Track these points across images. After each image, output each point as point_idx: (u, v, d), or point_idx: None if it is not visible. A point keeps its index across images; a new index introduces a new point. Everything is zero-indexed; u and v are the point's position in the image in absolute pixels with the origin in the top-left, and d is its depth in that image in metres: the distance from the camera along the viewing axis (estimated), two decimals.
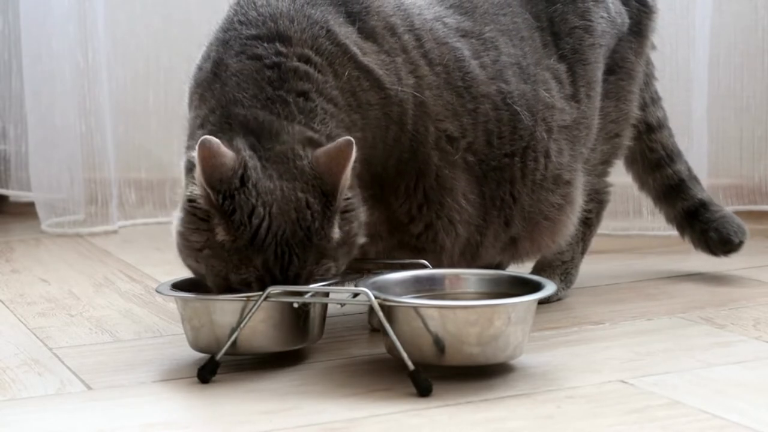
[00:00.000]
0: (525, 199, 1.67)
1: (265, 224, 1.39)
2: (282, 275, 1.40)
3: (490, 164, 1.64)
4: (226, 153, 1.40)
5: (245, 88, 1.46)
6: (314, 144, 1.43)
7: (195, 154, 1.38)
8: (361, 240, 1.47)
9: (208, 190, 1.39)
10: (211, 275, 1.43)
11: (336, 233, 1.42)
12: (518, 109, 1.64)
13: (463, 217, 1.62)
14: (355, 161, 1.43)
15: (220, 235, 1.40)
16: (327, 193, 1.41)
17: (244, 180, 1.39)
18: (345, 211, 1.43)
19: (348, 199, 1.44)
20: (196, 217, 1.42)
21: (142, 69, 2.65)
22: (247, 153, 1.41)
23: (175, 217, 1.45)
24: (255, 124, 1.44)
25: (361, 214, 1.46)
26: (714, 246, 1.94)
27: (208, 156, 1.38)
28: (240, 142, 1.42)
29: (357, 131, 1.50)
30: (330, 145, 1.42)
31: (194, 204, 1.42)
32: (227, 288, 1.43)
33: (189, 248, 1.43)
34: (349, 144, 1.40)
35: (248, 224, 1.39)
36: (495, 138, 1.63)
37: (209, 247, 1.41)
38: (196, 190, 1.41)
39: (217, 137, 1.42)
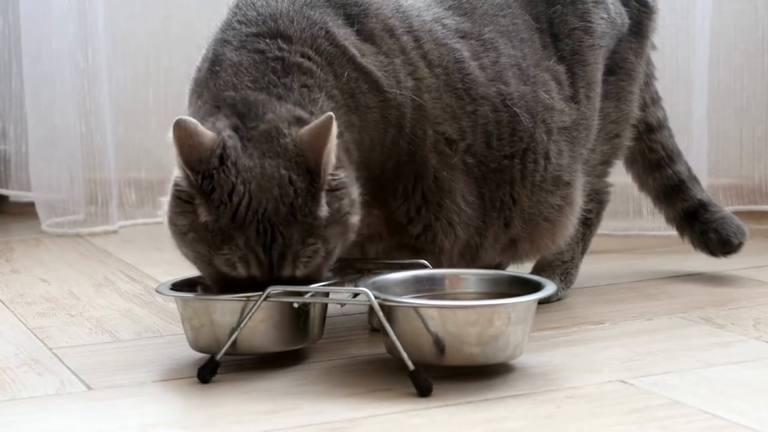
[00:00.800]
0: (524, 201, 1.67)
1: (245, 202, 1.38)
2: (266, 254, 1.39)
3: (490, 166, 1.64)
4: (204, 132, 1.40)
5: (244, 73, 1.46)
6: (302, 123, 1.42)
7: (170, 135, 1.38)
8: (354, 219, 1.45)
9: (187, 171, 1.39)
10: (199, 260, 1.43)
11: (323, 211, 1.40)
12: (518, 111, 1.64)
13: (462, 219, 1.62)
14: (339, 136, 1.42)
15: (203, 215, 1.40)
16: (311, 170, 1.39)
17: (222, 159, 1.39)
18: (334, 189, 1.42)
19: (337, 176, 1.42)
20: (180, 200, 1.42)
21: (142, 69, 2.65)
22: (227, 132, 1.41)
23: (163, 203, 1.45)
24: (242, 105, 1.43)
25: (353, 191, 1.45)
26: (713, 247, 1.94)
27: (185, 136, 1.38)
28: (221, 123, 1.42)
29: (354, 132, 1.50)
30: (313, 123, 1.41)
31: (178, 187, 1.42)
32: (215, 274, 1.43)
33: (177, 233, 1.43)
34: (329, 119, 1.38)
35: (228, 202, 1.38)
36: (494, 140, 1.63)
37: (194, 230, 1.41)
38: (179, 173, 1.41)
39: (203, 121, 1.42)
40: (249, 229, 1.39)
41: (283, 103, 1.44)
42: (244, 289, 1.41)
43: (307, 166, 1.39)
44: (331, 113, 1.39)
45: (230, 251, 1.40)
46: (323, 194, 1.40)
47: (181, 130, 1.38)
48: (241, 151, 1.40)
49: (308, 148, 1.39)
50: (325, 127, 1.38)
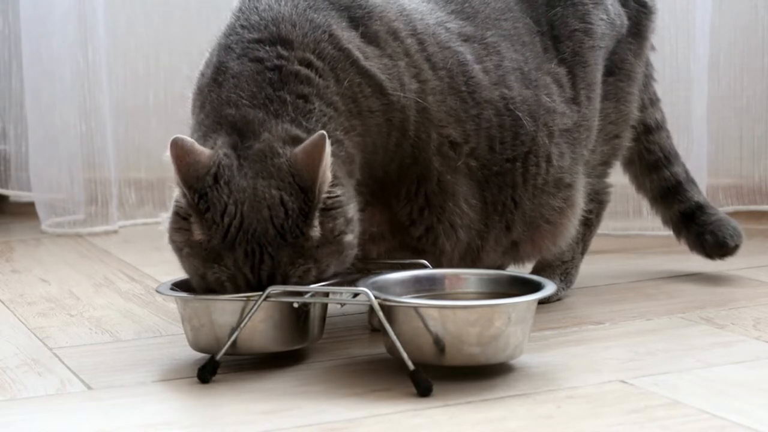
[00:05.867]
0: (526, 204, 1.67)
1: (236, 223, 1.39)
2: (254, 275, 1.40)
3: (492, 169, 1.64)
4: (201, 151, 1.40)
5: (243, 88, 1.46)
6: (297, 142, 1.42)
7: (168, 153, 1.38)
8: (349, 237, 1.44)
9: (184, 189, 1.39)
10: (192, 274, 1.44)
11: (315, 231, 1.40)
12: (520, 114, 1.64)
13: (464, 222, 1.62)
14: (339, 143, 1.43)
15: (197, 234, 1.40)
16: (306, 190, 1.39)
17: (217, 178, 1.39)
18: (329, 208, 1.42)
19: (333, 196, 1.42)
20: (179, 216, 1.43)
21: (142, 69, 2.65)
22: (222, 151, 1.41)
23: (165, 218, 1.46)
24: (242, 123, 1.43)
25: (349, 210, 1.44)
26: (709, 249, 1.94)
27: (182, 155, 1.39)
28: (220, 140, 1.43)
29: (356, 136, 1.50)
30: (306, 142, 1.40)
31: (178, 203, 1.43)
32: (207, 288, 1.43)
33: (174, 248, 1.44)
34: (322, 138, 1.38)
35: (221, 223, 1.39)
36: (497, 143, 1.63)
37: (189, 245, 1.42)
38: (177, 191, 1.41)
39: (206, 138, 1.43)
40: (238, 250, 1.39)
41: (280, 121, 1.43)
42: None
43: (301, 186, 1.39)
44: (323, 132, 1.39)
45: (220, 270, 1.40)
46: (316, 214, 1.40)
47: (179, 149, 1.39)
48: (236, 171, 1.40)
49: (303, 167, 1.39)
50: (319, 146, 1.38)
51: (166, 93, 2.63)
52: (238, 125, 1.44)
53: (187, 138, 1.40)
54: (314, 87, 1.47)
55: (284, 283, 1.40)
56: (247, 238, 1.39)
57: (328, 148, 1.38)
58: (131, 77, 2.65)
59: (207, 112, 1.48)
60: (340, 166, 1.46)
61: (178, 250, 1.44)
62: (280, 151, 1.41)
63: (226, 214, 1.39)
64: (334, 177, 1.42)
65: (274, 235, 1.39)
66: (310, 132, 1.43)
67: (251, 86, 1.46)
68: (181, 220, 1.42)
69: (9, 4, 2.60)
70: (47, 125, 2.52)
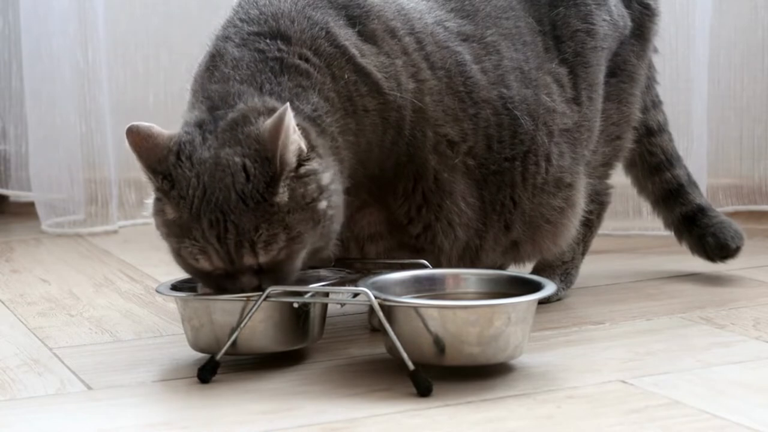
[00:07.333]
0: (526, 203, 1.67)
1: (199, 193, 1.38)
2: (221, 245, 1.38)
3: (490, 168, 1.64)
4: (159, 133, 1.41)
5: (241, 68, 1.45)
6: (273, 113, 1.40)
7: (126, 143, 1.39)
8: (322, 205, 1.41)
9: (149, 174, 1.40)
10: (173, 254, 1.44)
11: (281, 197, 1.38)
12: (518, 114, 1.64)
13: (462, 220, 1.61)
14: (333, 140, 1.44)
15: (169, 213, 1.41)
16: (270, 159, 1.38)
17: (179, 155, 1.40)
18: (301, 176, 1.40)
19: (307, 162, 1.40)
20: (156, 200, 1.43)
21: (142, 69, 2.65)
22: (184, 129, 1.42)
23: (149, 205, 1.46)
24: (220, 97, 1.44)
25: (324, 178, 1.42)
26: (711, 251, 1.94)
27: (139, 140, 1.40)
28: (188, 117, 1.44)
29: (350, 135, 1.50)
30: (273, 115, 1.40)
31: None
32: (188, 267, 1.43)
33: (160, 233, 1.44)
34: (284, 109, 1.37)
35: (186, 196, 1.39)
36: (495, 142, 1.63)
37: (165, 226, 1.42)
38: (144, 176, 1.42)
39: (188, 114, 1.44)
40: (203, 220, 1.38)
41: (261, 94, 1.43)
42: (218, 280, 1.41)
43: (266, 155, 1.38)
44: (287, 104, 1.38)
45: (191, 244, 1.40)
46: (282, 180, 1.38)
47: (135, 135, 1.40)
48: (198, 144, 1.40)
49: (267, 138, 1.38)
50: (280, 116, 1.37)
51: (166, 93, 2.63)
52: (215, 100, 1.44)
53: (143, 123, 1.40)
54: (312, 81, 1.47)
55: (252, 251, 1.39)
56: (210, 207, 1.38)
57: (291, 120, 1.37)
58: (131, 77, 2.65)
59: (198, 96, 1.48)
60: (327, 150, 1.45)
61: (159, 232, 1.44)
62: (253, 120, 1.40)
63: (190, 187, 1.39)
64: (311, 150, 1.41)
65: (236, 200, 1.38)
66: (296, 110, 1.42)
67: (251, 69, 1.45)
68: (157, 202, 1.43)
69: (9, 4, 2.60)
70: (47, 125, 2.52)
